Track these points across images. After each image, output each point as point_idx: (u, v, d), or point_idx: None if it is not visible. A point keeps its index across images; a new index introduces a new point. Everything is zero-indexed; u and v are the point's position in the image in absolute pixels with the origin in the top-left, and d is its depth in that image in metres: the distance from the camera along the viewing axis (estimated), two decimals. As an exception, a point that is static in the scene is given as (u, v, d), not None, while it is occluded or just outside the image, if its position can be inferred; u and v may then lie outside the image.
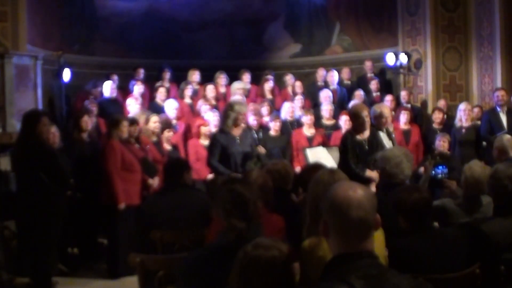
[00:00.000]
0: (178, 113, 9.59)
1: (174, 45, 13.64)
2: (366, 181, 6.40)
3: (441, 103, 10.99)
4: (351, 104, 9.80)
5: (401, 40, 12.90)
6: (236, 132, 7.10)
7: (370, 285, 2.18)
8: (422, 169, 7.54)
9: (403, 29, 12.86)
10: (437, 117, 10.07)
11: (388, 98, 10.66)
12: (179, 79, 11.35)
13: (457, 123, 9.58)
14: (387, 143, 7.00)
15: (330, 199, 2.35)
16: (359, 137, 6.78)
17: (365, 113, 6.74)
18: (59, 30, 11.96)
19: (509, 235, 3.82)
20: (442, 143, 8.81)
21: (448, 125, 9.95)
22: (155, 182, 7.48)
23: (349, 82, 12.51)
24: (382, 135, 7.03)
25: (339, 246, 2.32)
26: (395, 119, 9.85)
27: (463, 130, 9.38)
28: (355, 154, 6.68)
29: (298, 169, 8.90)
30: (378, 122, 7.10)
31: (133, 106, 9.47)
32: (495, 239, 3.78)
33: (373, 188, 6.17)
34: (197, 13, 13.95)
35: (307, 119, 9.29)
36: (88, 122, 8.12)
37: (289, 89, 11.88)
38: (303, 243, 3.30)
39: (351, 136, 6.80)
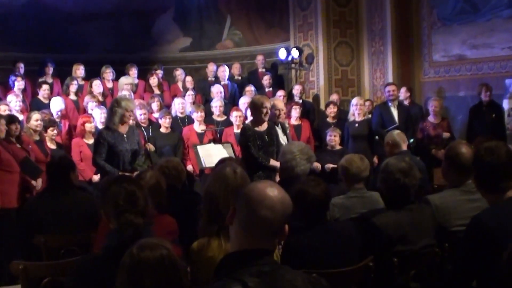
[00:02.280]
0: (63, 111, 9.34)
1: (58, 37, 13.27)
2: (271, 170, 6.74)
3: (334, 97, 11.28)
4: (244, 98, 10.01)
5: (293, 35, 13.15)
6: (123, 129, 6.97)
7: (264, 282, 2.20)
8: (315, 165, 7.76)
9: (294, 24, 13.11)
10: (332, 111, 10.29)
11: (280, 93, 10.81)
12: (63, 74, 11.04)
13: (350, 117, 9.87)
14: (281, 138, 7.22)
15: (247, 190, 2.37)
16: (257, 129, 6.96)
17: (268, 105, 6.92)
18: None
19: (401, 228, 3.94)
20: (333, 138, 9.17)
21: (342, 119, 10.22)
22: (38, 183, 7.22)
23: (240, 78, 12.64)
24: (277, 130, 7.23)
25: (239, 238, 2.34)
26: (286, 114, 10.03)
27: (356, 125, 9.66)
28: (257, 145, 6.86)
29: (190, 167, 8.95)
30: (272, 116, 7.28)
31: (13, 103, 9.12)
32: (387, 232, 3.90)
33: (277, 178, 6.35)
34: (82, 4, 13.65)
35: (198, 115, 9.31)
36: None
37: (180, 84, 11.87)
38: (192, 244, 3.30)
39: (250, 128, 6.97)
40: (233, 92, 11.68)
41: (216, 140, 9.14)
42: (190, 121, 9.72)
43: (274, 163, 6.72)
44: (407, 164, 4.14)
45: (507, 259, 2.41)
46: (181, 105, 10.01)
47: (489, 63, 10.78)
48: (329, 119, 10.29)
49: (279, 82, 12.75)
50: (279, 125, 7.38)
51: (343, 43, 12.61)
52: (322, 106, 11.82)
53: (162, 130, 9.18)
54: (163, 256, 2.42)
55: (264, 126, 7.00)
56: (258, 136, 6.89)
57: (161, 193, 4.43)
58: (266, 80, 11.87)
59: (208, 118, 9.81)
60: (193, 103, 10.41)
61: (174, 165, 5.26)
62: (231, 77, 12.24)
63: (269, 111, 6.93)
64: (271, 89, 11.76)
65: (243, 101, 9.93)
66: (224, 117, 9.96)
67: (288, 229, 2.37)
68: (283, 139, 7.23)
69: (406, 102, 10.71)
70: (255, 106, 7.03)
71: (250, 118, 7.98)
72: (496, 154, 3.27)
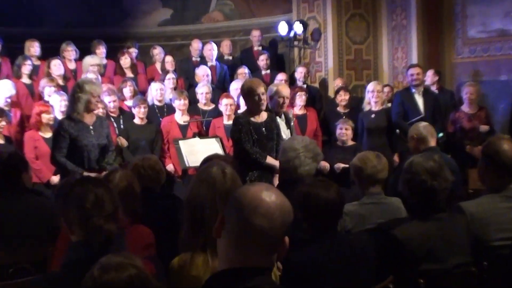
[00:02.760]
0: (13, 97, 9.27)
1: (7, 8, 13.21)
2: (268, 170, 6.68)
3: (338, 82, 11.27)
4: (236, 82, 9.93)
5: (296, 6, 13.08)
6: (89, 119, 6.92)
7: None
8: (322, 164, 7.72)
9: (298, -7, 13.03)
10: (342, 98, 10.15)
11: (280, 77, 10.73)
12: (14, 53, 10.96)
13: (365, 106, 9.83)
14: (284, 132, 7.18)
15: (238, 195, 2.39)
16: (253, 120, 6.90)
17: (261, 90, 6.84)
18: None
19: (428, 242, 3.93)
20: (344, 131, 9.16)
21: (355, 108, 10.13)
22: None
23: (230, 58, 12.59)
24: (280, 121, 7.19)
25: (228, 254, 2.36)
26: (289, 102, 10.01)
27: (372, 115, 9.58)
28: (251, 138, 6.80)
29: (170, 167, 8.95)
30: (274, 104, 7.26)
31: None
32: (411, 246, 3.88)
33: (276, 181, 6.32)
34: (37, -34, 13.59)
35: (179, 103, 9.25)
36: None
37: (158, 66, 11.83)
38: (172, 261, 3.30)
39: (244, 118, 6.92)
40: (222, 75, 11.62)
41: (202, 133, 9.11)
42: (171, 110, 9.65)
43: (273, 161, 6.66)
44: (436, 164, 4.11)
45: None
46: (160, 91, 9.90)
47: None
48: (340, 109, 10.21)
49: (279, 63, 12.73)
50: (283, 116, 7.34)
51: (357, 16, 12.53)
52: (331, 93, 11.75)
53: (136, 121, 9.12)
54: (132, 277, 2.37)
55: (262, 117, 6.93)
56: (254, 128, 6.83)
57: (135, 198, 4.42)
58: (262, 60, 11.80)
59: (192, 107, 9.73)
60: (174, 88, 10.35)
61: (150, 164, 5.29)
62: (220, 57, 12.18)
63: (263, 98, 6.85)
64: (268, 71, 11.70)
65: (235, 86, 9.77)
66: (212, 106, 9.88)
67: (288, 242, 2.38)
68: (285, 133, 7.16)
69: (433, 88, 10.67)
70: (245, 93, 6.97)
71: (244, 107, 7.90)
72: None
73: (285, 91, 7.40)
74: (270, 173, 6.71)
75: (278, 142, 6.83)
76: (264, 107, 6.93)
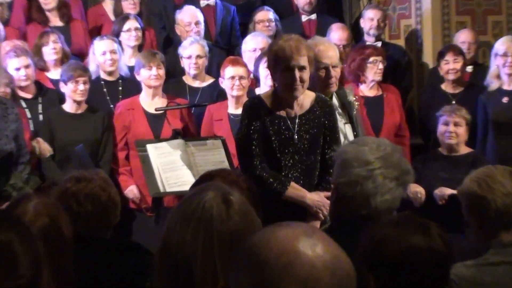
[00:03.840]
0: None
1: None
2: (296, 210, 4.95)
3: (465, 35, 7.83)
4: (253, 37, 7.51)
5: None
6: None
7: None
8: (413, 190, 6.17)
9: None
10: (453, 68, 7.26)
11: (336, 30, 7.84)
12: None
13: (491, 83, 7.39)
14: (341, 129, 5.43)
15: (254, 244, 1.89)
16: (280, 112, 5.07)
17: (302, 57, 4.90)
18: None
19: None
20: (453, 129, 6.74)
21: (473, 87, 7.47)
22: None
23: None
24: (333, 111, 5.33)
25: None
26: (352, 75, 7.22)
27: (505, 100, 7.07)
28: (269, 147, 5.04)
29: (131, 191, 6.70)
30: (315, 80, 5.24)
31: None
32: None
33: (316, 225, 4.76)
34: None
35: (149, 74, 6.73)
36: None
37: (107, 6, 8.57)
38: None
39: (259, 107, 5.12)
40: (227, 24, 8.65)
41: (191, 132, 6.85)
42: (132, 89, 7.08)
43: (300, 193, 5.01)
44: None
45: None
46: (111, 54, 7.13)
47: None
48: (446, 87, 7.40)
49: (332, 4, 9.43)
50: (337, 99, 5.51)
51: None
52: (428, 58, 8.50)
53: (68, 108, 6.71)
54: None
55: (300, 105, 5.12)
56: (276, 127, 5.13)
57: (62, 249, 3.39)
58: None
59: (172, 82, 7.32)
60: (139, 47, 7.64)
61: (93, 188, 3.94)
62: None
63: (307, 73, 5.01)
64: (314, 16, 8.63)
65: (251, 45, 7.24)
66: (209, 81, 7.33)
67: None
68: (345, 132, 5.45)
69: None
70: (276, 59, 5.05)
71: (266, 83, 6.15)
72: None
73: (333, 54, 5.46)
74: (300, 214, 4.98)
75: (328, 149, 5.12)
76: (300, 92, 5.10)
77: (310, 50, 5.06)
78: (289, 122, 5.06)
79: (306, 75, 4.97)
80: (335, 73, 5.37)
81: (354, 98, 5.72)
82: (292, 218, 4.74)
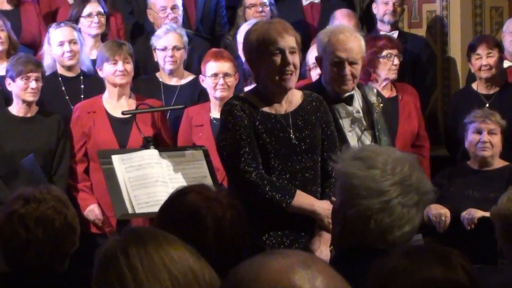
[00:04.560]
0: None
1: None
2: (302, 223, 4.46)
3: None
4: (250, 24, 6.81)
5: None
6: None
7: None
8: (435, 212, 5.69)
9: None
10: (486, 63, 6.52)
11: (343, 13, 7.13)
12: None
13: None
14: (355, 136, 4.82)
15: (241, 277, 1.80)
16: (266, 108, 4.52)
17: (288, 43, 4.40)
18: None
19: None
20: (486, 138, 6.01)
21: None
22: None
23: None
24: (344, 113, 4.74)
25: None
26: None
27: None
28: (262, 149, 4.50)
29: (92, 211, 6.15)
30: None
31: None
32: None
33: (326, 252, 4.33)
34: None
35: (114, 71, 6.17)
36: None
37: None
38: None
39: (243, 107, 4.54)
40: (211, 8, 7.81)
41: (165, 141, 6.36)
42: (94, 87, 6.54)
43: (309, 202, 4.45)
44: None
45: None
46: (70, 45, 6.52)
47: None
48: (478, 87, 6.71)
49: None
50: (359, 99, 4.82)
51: None
52: (456, 52, 7.75)
53: (15, 110, 6.21)
54: None
55: (289, 102, 4.59)
56: (265, 126, 4.52)
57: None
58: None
59: (143, 79, 6.84)
60: (102, 37, 7.02)
61: (45, 211, 3.53)
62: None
63: (298, 57, 4.47)
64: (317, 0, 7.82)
65: (240, 36, 6.42)
66: (189, 77, 6.76)
67: None
68: (360, 138, 4.83)
69: None
70: (254, 49, 4.51)
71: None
72: None
73: (354, 45, 4.84)
74: (308, 227, 4.45)
75: (329, 156, 4.47)
76: (293, 81, 4.58)
77: (297, 34, 4.55)
78: (282, 120, 4.52)
79: (297, 59, 4.47)
80: (353, 70, 4.77)
81: (376, 99, 5.09)
82: (293, 233, 4.23)
